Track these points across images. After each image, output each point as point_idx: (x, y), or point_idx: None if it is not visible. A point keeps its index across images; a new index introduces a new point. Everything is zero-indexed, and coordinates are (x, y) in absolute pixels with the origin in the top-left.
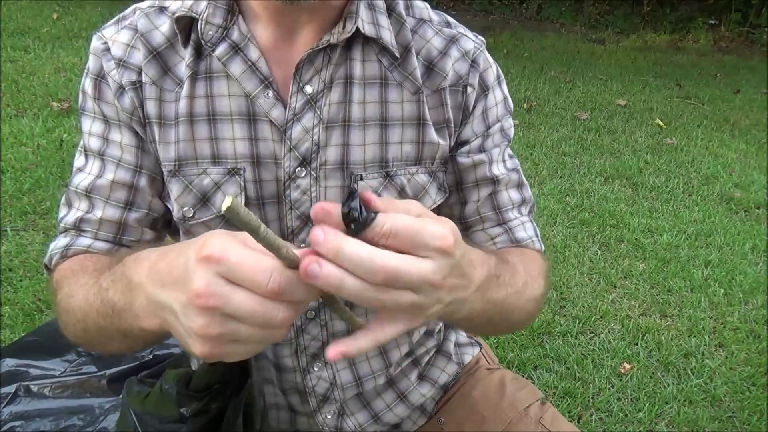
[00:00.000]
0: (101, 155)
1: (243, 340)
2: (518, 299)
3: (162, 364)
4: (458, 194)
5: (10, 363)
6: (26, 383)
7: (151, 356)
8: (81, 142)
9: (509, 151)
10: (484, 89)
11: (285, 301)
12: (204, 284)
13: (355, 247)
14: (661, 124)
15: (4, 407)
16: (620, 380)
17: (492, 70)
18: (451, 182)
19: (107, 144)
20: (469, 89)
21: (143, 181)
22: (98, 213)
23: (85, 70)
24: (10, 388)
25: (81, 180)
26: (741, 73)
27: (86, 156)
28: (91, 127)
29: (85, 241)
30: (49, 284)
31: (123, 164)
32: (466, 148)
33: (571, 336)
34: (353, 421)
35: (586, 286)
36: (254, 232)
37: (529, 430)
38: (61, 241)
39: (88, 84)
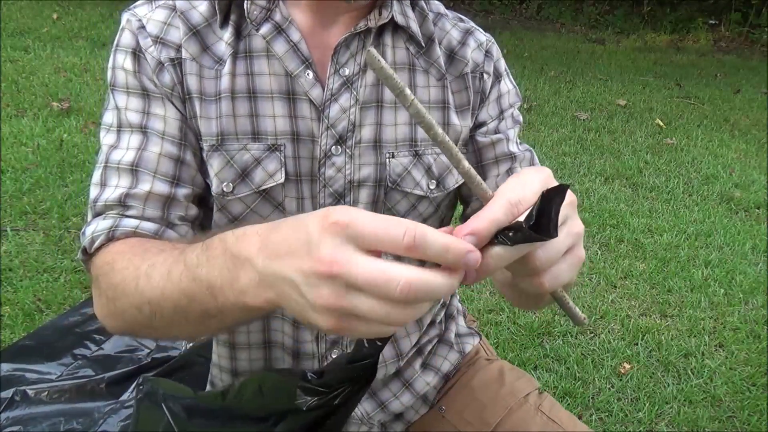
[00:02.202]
0: (143, 128)
1: (365, 316)
2: None
3: (161, 367)
4: (478, 171)
5: (5, 368)
6: (23, 388)
7: (149, 359)
8: (110, 120)
9: (518, 138)
10: (497, 76)
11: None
12: (331, 250)
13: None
14: (661, 124)
15: (1, 412)
16: (620, 380)
17: (502, 61)
18: (471, 161)
19: (148, 117)
20: (485, 76)
21: (189, 155)
22: (145, 187)
23: (115, 46)
24: (7, 393)
25: (121, 155)
26: (741, 73)
27: (120, 132)
28: (127, 102)
29: (130, 222)
30: (89, 268)
31: (168, 137)
32: (483, 129)
33: (571, 336)
34: (360, 410)
35: (586, 286)
36: (398, 92)
37: (529, 417)
38: (102, 223)
39: (124, 59)
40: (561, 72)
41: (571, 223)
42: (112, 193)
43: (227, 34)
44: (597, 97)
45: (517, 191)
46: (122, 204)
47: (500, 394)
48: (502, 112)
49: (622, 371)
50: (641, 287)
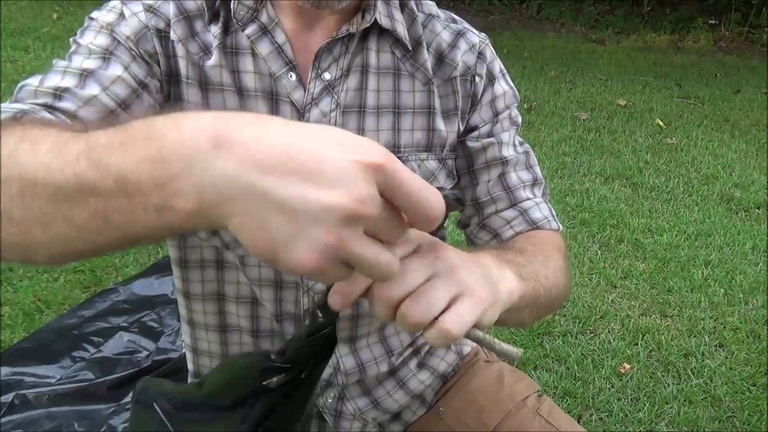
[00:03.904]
0: (107, 52)
1: (365, 263)
2: (546, 285)
3: (162, 369)
4: (469, 176)
5: (5, 371)
6: (22, 392)
7: (149, 362)
8: (75, 48)
9: (519, 137)
10: (491, 79)
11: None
12: (370, 191)
13: None
14: (661, 124)
15: (1, 417)
16: (620, 380)
17: (497, 62)
18: (463, 166)
19: (108, 62)
20: (477, 79)
21: (146, 97)
22: (92, 91)
23: (104, 5)
24: (7, 398)
25: (74, 62)
26: (741, 73)
27: (78, 54)
28: (95, 38)
29: (49, 115)
30: None
31: (131, 72)
32: (475, 133)
33: (571, 336)
34: (353, 405)
35: (586, 286)
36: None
37: (527, 420)
38: (15, 105)
39: (106, 15)
40: (561, 72)
41: (432, 255)
42: (51, 82)
43: (215, 29)
44: (597, 97)
45: None
46: (55, 94)
47: (499, 396)
48: (496, 114)
49: (622, 371)
50: (641, 287)
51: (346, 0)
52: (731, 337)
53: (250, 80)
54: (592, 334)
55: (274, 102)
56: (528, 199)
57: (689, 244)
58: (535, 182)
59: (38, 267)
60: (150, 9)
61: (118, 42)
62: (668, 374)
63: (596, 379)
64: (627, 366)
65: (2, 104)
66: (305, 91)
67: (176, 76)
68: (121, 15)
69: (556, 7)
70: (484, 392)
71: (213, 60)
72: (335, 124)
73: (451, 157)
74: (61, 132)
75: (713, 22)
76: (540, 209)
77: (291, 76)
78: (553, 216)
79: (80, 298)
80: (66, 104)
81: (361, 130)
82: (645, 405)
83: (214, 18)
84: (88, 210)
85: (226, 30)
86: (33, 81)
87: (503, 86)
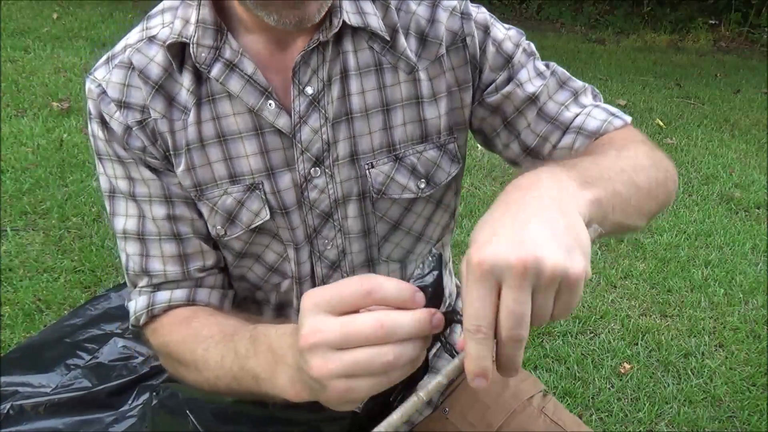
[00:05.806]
0: (133, 196)
1: (359, 368)
2: (626, 175)
3: (164, 374)
4: (507, 130)
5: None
6: (18, 403)
7: (147, 368)
8: (104, 185)
9: (538, 63)
10: (485, 30)
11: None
12: (307, 326)
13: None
14: (661, 124)
15: None
16: (620, 380)
17: (483, 12)
18: (496, 124)
19: (133, 184)
20: (468, 39)
21: (179, 210)
22: (156, 252)
23: (87, 114)
24: (3, 409)
25: (122, 223)
26: (741, 73)
27: (113, 198)
28: (111, 169)
29: (163, 296)
30: (146, 338)
31: (154, 199)
32: (492, 87)
33: (571, 336)
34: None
35: (586, 286)
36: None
37: (532, 420)
38: (140, 301)
39: (95, 128)
40: None
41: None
42: (135, 264)
43: (187, 80)
44: None
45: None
46: (146, 272)
47: (504, 396)
48: (509, 59)
49: (622, 371)
50: (641, 287)
51: (325, 6)
52: (731, 337)
53: (232, 123)
54: (592, 334)
55: (260, 137)
56: (577, 115)
57: (689, 244)
58: (576, 94)
59: None
60: (121, 104)
61: (125, 163)
62: (668, 374)
63: (596, 379)
64: (627, 366)
65: (130, 303)
66: (290, 114)
67: (166, 152)
68: (103, 124)
69: (556, 7)
70: (489, 391)
71: (191, 118)
72: (327, 139)
73: (452, 140)
74: (216, 341)
75: (713, 22)
76: (594, 116)
77: (270, 105)
78: (614, 114)
79: (80, 298)
80: (156, 277)
81: (352, 138)
82: (645, 405)
83: (181, 66)
84: (245, 391)
85: (198, 79)
86: (124, 261)
87: (501, 30)
